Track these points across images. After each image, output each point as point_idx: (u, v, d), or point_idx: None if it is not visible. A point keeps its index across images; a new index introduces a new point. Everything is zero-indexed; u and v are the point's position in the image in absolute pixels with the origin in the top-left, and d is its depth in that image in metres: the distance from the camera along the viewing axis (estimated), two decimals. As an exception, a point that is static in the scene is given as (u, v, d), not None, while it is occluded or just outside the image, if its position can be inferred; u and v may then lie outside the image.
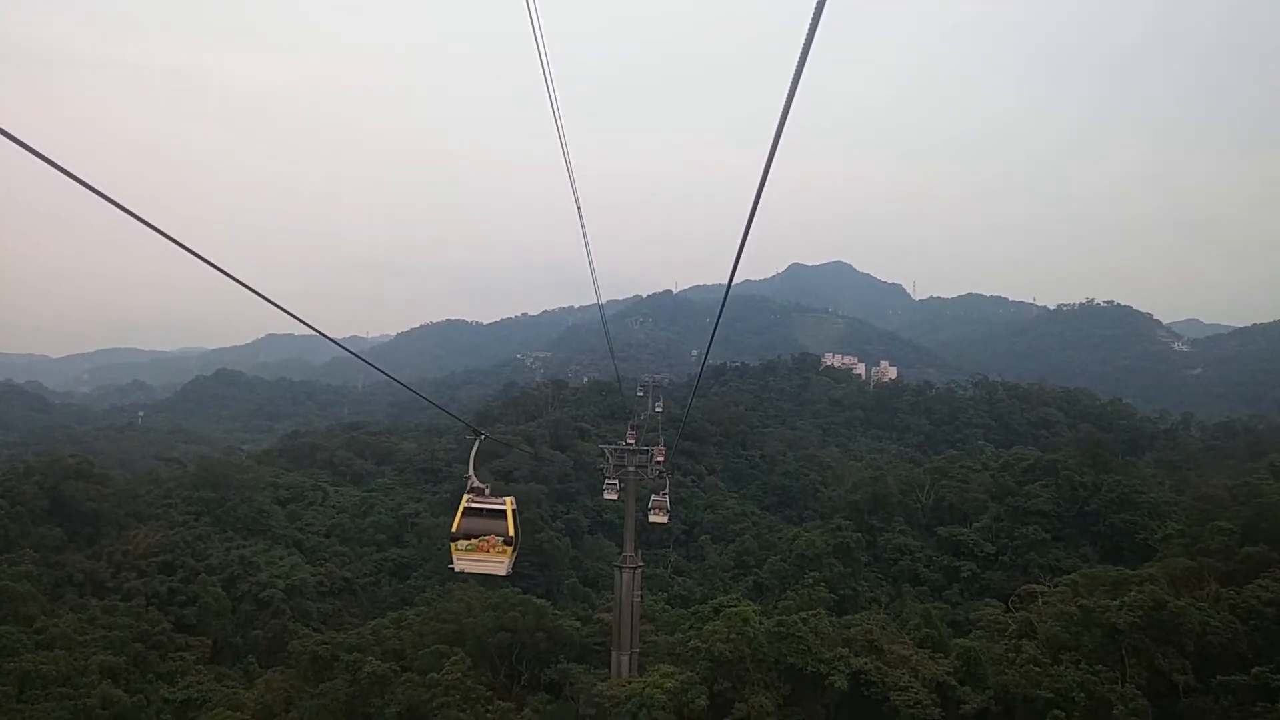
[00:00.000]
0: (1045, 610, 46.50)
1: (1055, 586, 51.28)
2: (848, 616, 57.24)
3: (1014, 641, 46.43)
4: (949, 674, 44.38)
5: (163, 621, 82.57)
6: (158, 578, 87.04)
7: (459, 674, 49.58)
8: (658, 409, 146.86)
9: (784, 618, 47.62)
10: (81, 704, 70.74)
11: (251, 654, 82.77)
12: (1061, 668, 39.24)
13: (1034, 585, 58.33)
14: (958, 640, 49.78)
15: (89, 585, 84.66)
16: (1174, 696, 38.57)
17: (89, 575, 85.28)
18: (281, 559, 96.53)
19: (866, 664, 44.95)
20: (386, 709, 51.90)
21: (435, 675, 50.53)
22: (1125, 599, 39.78)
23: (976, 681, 44.22)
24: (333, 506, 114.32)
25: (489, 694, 50.15)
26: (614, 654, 52.09)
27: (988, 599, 76.01)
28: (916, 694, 42.32)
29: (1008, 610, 58.37)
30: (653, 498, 58.37)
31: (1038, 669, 39.28)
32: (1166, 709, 37.67)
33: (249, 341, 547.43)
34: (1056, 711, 37.33)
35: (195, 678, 78.63)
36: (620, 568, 54.59)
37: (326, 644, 59.26)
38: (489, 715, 46.95)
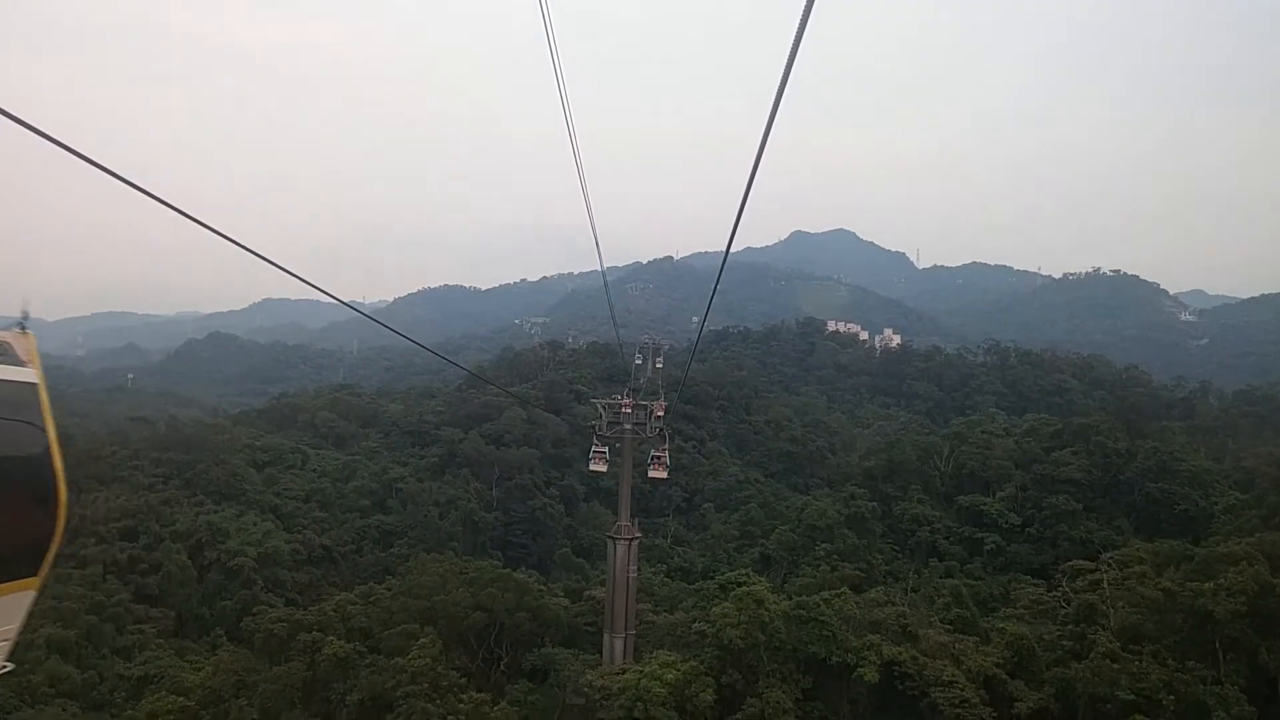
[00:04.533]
0: (1116, 593, 39.96)
1: (1124, 565, 44.67)
2: (869, 593, 50.79)
3: (1071, 628, 40.02)
4: (998, 666, 37.96)
5: (121, 592, 76.40)
6: (117, 544, 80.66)
7: (428, 659, 43.14)
8: (658, 365, 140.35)
9: (804, 599, 41.21)
10: (25, 682, 64.75)
11: (219, 626, 76.81)
12: (1142, 663, 32.77)
13: (1081, 562, 51.86)
14: (1002, 624, 43.40)
15: (41, 552, 78.25)
16: (1277, 699, 32.22)
17: (41, 541, 78.80)
18: (254, 525, 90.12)
19: (900, 653, 38.51)
20: (348, 696, 45.68)
21: (401, 661, 44.14)
22: (1222, 582, 33.30)
23: (1030, 675, 37.83)
24: (313, 470, 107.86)
25: (463, 680, 43.81)
26: (606, 636, 45.71)
27: (1015, 574, 70.05)
28: (962, 691, 35.88)
29: (1050, 589, 52.03)
30: (652, 453, 51.84)
31: (1114, 665, 32.82)
32: (1267, 714, 31.34)
33: (246, 306, 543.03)
34: (1138, 716, 30.93)
35: (155, 652, 72.66)
36: (614, 539, 48.06)
37: (284, 621, 52.90)
38: (461, 706, 40.57)
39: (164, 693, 51.23)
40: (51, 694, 64.55)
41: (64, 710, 62.61)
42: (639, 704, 38.16)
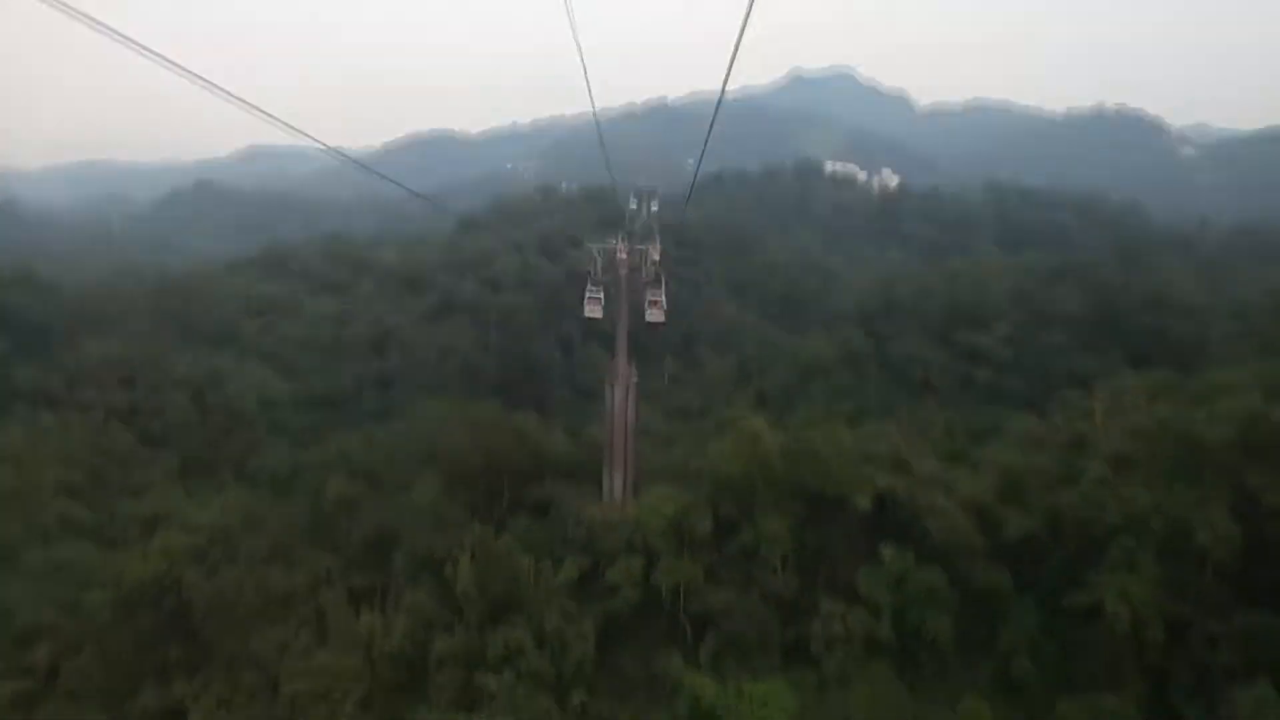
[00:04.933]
0: (1108, 423, 40.46)
1: (1116, 396, 45.04)
2: (863, 428, 51.49)
3: (1061, 457, 40.75)
4: (988, 494, 38.83)
5: (125, 436, 77.57)
6: (117, 391, 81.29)
7: (431, 496, 44.03)
8: (653, 209, 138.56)
9: (801, 434, 41.72)
10: (36, 521, 66.38)
11: (225, 468, 78.20)
12: (1131, 488, 33.44)
13: (1074, 393, 52.41)
14: (994, 455, 44.17)
15: (41, 399, 78.83)
16: (1259, 519, 33.00)
17: (40, 388, 79.35)
18: (253, 371, 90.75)
19: (893, 483, 39.29)
20: (354, 532, 46.89)
21: (406, 498, 45.08)
22: (1215, 409, 33.62)
23: (1019, 502, 38.72)
24: (309, 318, 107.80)
25: (466, 516, 44.77)
26: (606, 474, 46.50)
27: (1007, 406, 70.84)
28: (953, 518, 36.81)
29: (1042, 420, 52.75)
30: (648, 296, 51.29)
31: (1103, 490, 33.53)
32: (1252, 534, 32.19)
33: (231, 154, 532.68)
34: (1126, 538, 31.81)
35: (163, 493, 74.28)
36: (611, 382, 48.29)
37: (288, 463, 53.88)
38: (465, 539, 41.58)
39: (175, 530, 52.57)
40: (63, 534, 66.28)
41: (78, 548, 64.47)
42: (638, 534, 39.21)
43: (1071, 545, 35.43)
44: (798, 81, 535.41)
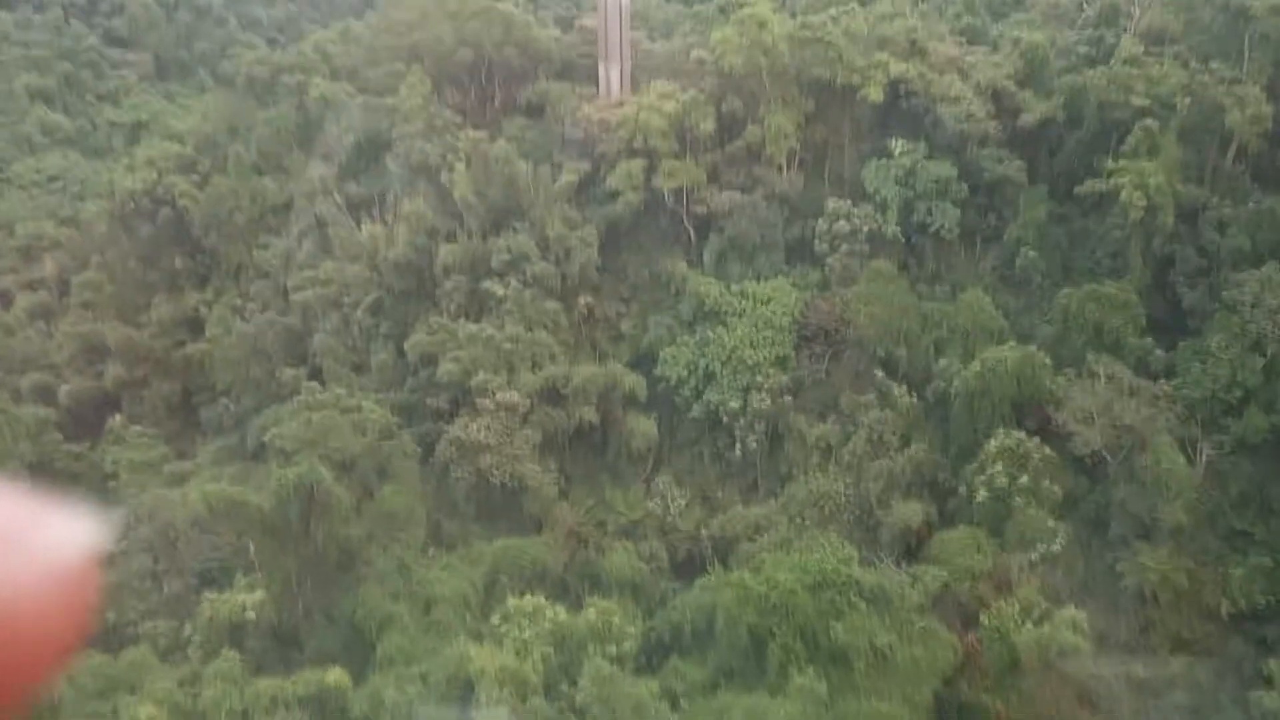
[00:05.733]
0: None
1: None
2: (878, 7, 47.60)
3: (1090, 32, 37.85)
4: (1008, 77, 36.61)
5: (90, 36, 73.46)
6: (70, -17, 75.35)
7: (419, 99, 41.84)
8: None
9: (809, 18, 38.51)
10: (18, 130, 64.97)
11: (201, 69, 75.00)
12: (1163, 66, 31.24)
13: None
14: (1015, 32, 41.06)
15: (-10, -5, 73.38)
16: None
17: (-13, -15, 73.51)
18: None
19: (908, 70, 36.92)
20: (343, 137, 45.32)
21: (392, 101, 42.91)
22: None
23: (1040, 85, 36.63)
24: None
25: (458, 119, 42.92)
26: (602, 68, 43.64)
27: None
28: (969, 105, 34.94)
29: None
30: None
31: (1131, 69, 31.33)
32: (1282, 114, 30.54)
33: None
34: (1148, 121, 30.24)
35: (142, 98, 71.90)
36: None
37: (264, 64, 50.67)
38: (459, 145, 40.20)
39: (159, 139, 51.22)
40: (47, 143, 64.99)
41: (65, 158, 63.56)
42: (638, 136, 37.67)
43: (1091, 130, 33.98)
44: None
